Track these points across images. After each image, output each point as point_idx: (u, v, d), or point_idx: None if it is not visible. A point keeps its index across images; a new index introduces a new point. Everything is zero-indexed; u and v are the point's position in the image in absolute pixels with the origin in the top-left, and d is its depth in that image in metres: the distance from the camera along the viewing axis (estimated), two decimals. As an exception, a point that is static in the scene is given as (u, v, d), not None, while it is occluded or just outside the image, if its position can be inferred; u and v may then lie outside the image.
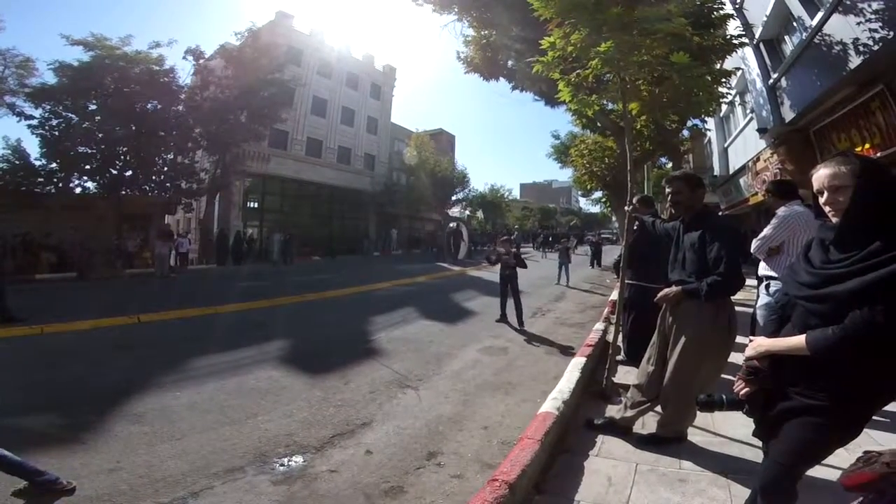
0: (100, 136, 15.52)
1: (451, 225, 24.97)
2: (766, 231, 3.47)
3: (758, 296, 3.69)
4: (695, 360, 2.58)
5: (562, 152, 22.94)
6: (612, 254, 19.80)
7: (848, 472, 1.24)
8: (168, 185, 17.75)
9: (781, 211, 3.53)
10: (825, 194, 1.46)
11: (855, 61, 5.44)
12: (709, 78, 4.78)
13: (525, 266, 7.18)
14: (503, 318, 7.17)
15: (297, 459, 2.85)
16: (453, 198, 36.32)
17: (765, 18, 8.26)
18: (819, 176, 1.49)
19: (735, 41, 7.95)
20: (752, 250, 3.56)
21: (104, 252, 14.86)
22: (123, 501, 2.37)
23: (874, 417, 1.50)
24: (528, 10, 3.96)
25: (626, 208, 3.79)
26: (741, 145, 11.96)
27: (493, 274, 15.63)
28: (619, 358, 4.40)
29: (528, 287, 11.87)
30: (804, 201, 3.52)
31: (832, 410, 1.42)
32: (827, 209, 1.47)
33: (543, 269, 12.70)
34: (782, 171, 8.20)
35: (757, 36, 8.80)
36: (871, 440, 2.52)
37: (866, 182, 1.37)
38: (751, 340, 1.67)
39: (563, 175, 52.46)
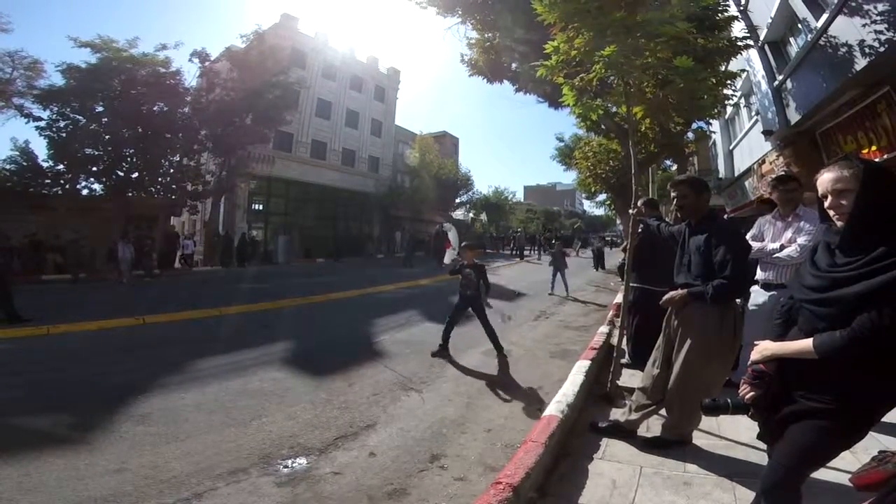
0: (106, 137, 15.66)
1: (437, 227, 24.35)
2: (813, 234, 3.10)
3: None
4: (700, 363, 2.58)
5: (566, 155, 22.95)
6: (615, 257, 19.76)
7: (860, 471, 1.23)
8: (174, 186, 17.88)
9: (811, 212, 3.27)
10: (829, 198, 1.47)
11: (861, 63, 5.41)
12: (713, 80, 4.77)
13: (488, 287, 5.53)
14: (441, 351, 5.32)
15: (301, 461, 2.85)
16: (457, 200, 36.40)
17: (769, 20, 8.23)
18: (823, 180, 1.50)
19: (740, 43, 7.94)
20: (796, 255, 3.16)
21: (95, 255, 14.76)
22: (128, 502, 2.38)
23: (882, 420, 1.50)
24: (532, 14, 3.97)
25: (630, 211, 3.78)
26: (746, 147, 11.89)
27: (497, 277, 15.66)
28: (624, 361, 4.39)
29: (530, 289, 11.87)
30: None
31: (837, 413, 1.42)
32: (831, 213, 1.48)
33: (545, 272, 12.61)
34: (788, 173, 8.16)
35: (762, 38, 8.77)
36: (878, 443, 2.49)
37: (869, 186, 1.38)
38: (756, 344, 1.67)
39: (568, 177, 52.38)
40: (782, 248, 3.31)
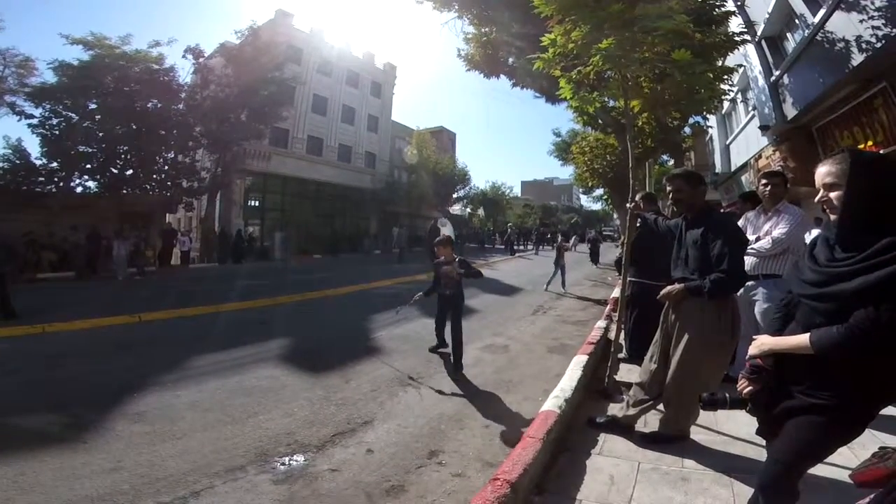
0: (100, 135, 15.51)
1: (432, 222, 23.83)
2: (788, 228, 3.26)
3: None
4: (698, 357, 2.57)
5: (563, 150, 22.96)
6: (610, 252, 19.76)
7: (860, 468, 1.22)
8: (169, 183, 17.74)
9: (794, 208, 3.41)
10: (820, 192, 1.46)
11: (857, 58, 5.41)
12: (710, 75, 4.76)
13: (480, 275, 4.98)
14: (438, 348, 5.30)
15: (299, 458, 2.85)
16: (454, 195, 36.32)
17: (767, 16, 8.22)
18: (818, 174, 1.50)
19: (737, 38, 7.91)
20: (768, 247, 3.31)
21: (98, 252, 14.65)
22: (125, 501, 2.36)
23: (880, 413, 1.49)
24: (529, 7, 3.94)
25: (628, 206, 3.77)
26: (743, 143, 11.91)
27: (495, 272, 15.64)
28: (622, 356, 4.40)
29: (529, 284, 11.89)
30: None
31: (835, 409, 1.41)
32: (824, 207, 1.47)
33: (543, 266, 12.61)
34: (784, 168, 8.17)
35: (759, 33, 8.76)
36: (876, 439, 2.50)
37: (856, 180, 1.35)
38: (754, 339, 1.67)
39: (565, 172, 52.59)
40: (758, 240, 3.41)
